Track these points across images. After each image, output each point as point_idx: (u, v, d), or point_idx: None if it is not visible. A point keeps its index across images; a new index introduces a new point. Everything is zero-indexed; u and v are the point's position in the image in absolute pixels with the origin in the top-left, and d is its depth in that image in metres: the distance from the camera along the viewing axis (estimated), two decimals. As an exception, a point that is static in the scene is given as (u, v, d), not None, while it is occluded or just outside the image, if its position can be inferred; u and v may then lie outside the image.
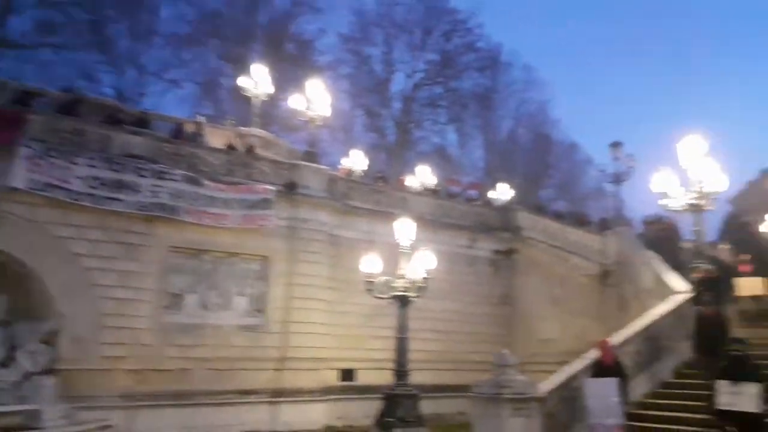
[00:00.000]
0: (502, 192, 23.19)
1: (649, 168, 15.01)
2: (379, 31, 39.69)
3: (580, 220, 21.61)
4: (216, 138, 18.39)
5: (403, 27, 39.69)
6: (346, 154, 24.26)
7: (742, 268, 13.26)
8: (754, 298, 12.64)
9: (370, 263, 12.35)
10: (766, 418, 7.24)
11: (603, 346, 9.24)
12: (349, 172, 20.87)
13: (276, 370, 14.89)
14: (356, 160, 22.62)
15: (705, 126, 13.78)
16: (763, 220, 17.03)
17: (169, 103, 35.17)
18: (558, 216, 21.99)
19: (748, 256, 13.60)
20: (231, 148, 17.29)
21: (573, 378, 9.42)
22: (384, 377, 12.75)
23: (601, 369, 8.82)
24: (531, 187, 38.00)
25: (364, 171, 22.18)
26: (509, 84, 43.28)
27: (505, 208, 21.13)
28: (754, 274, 12.90)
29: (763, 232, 15.86)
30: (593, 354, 9.57)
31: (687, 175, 13.42)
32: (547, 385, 9.33)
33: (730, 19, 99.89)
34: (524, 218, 20.29)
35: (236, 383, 14.27)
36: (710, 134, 13.47)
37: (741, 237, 15.58)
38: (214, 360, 14.16)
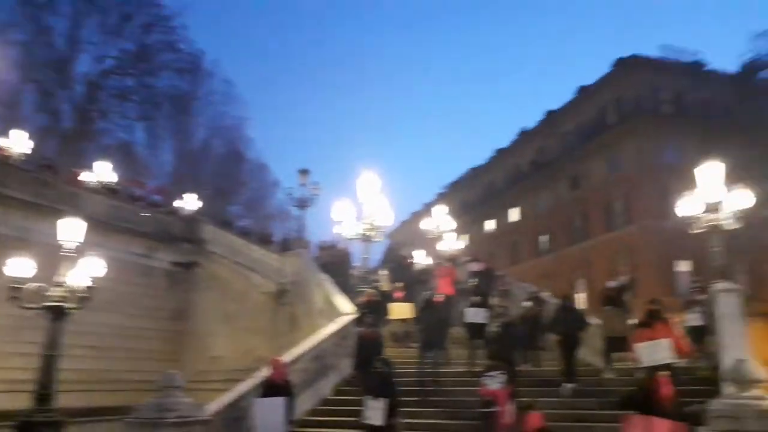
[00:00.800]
0: (190, 202, 22.30)
1: (332, 196, 16.27)
2: (68, 1, 34.79)
3: (263, 239, 22.10)
4: None
5: (97, 5, 35.57)
6: (5, 134, 20.27)
7: (397, 294, 15.14)
8: (403, 321, 14.48)
9: (19, 265, 10.39)
10: (392, 429, 8.22)
11: (274, 364, 9.39)
12: (7, 155, 17.45)
13: None
14: (18, 142, 19.04)
15: (380, 164, 15.63)
16: (412, 255, 19.88)
17: None
18: (244, 233, 22.11)
19: (401, 284, 15.61)
20: None
21: (242, 397, 9.33)
22: (24, 401, 10.71)
23: (270, 387, 8.92)
24: (220, 200, 37.52)
25: (25, 155, 18.80)
26: (208, 94, 42.35)
27: (191, 219, 20.33)
28: (404, 300, 14.82)
29: (415, 264, 18.45)
30: (264, 372, 9.66)
31: (362, 207, 14.93)
32: (215, 405, 9.04)
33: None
34: (210, 231, 19.81)
35: None
36: (383, 173, 15.31)
37: (397, 267, 17.88)
38: None
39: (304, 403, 10.31)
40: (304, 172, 19.75)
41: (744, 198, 11.82)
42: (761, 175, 22.28)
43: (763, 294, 25.41)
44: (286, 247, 20.28)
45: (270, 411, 8.39)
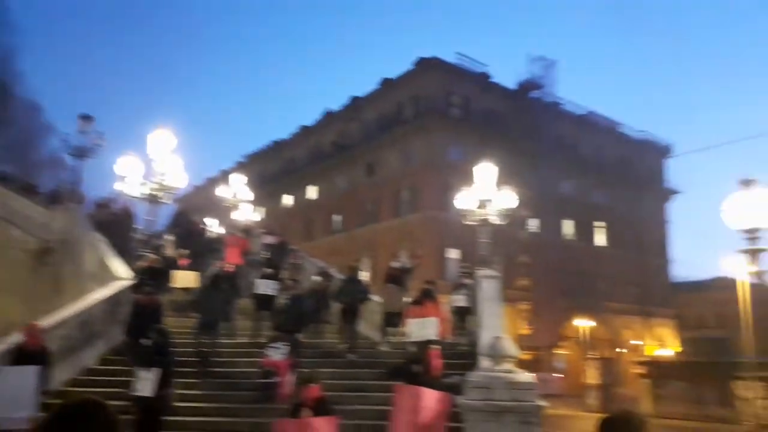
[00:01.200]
0: (-69, 135, 18.55)
1: (117, 150, 14.85)
2: None
3: (27, 188, 19.27)
4: None
5: None
6: None
7: (182, 261, 14.37)
8: (186, 290, 13.79)
9: None
10: (162, 401, 7.84)
11: (29, 329, 8.32)
12: None
13: None
14: None
15: (177, 124, 14.63)
16: (203, 222, 19.07)
17: None
18: (3, 179, 19.03)
19: (188, 252, 14.86)
20: None
21: (-17, 366, 8.08)
22: None
23: (23, 355, 7.87)
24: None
25: None
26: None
27: (-69, 156, 16.92)
28: (191, 268, 14.12)
29: (206, 232, 17.69)
30: (16, 338, 8.51)
31: (152, 165, 13.88)
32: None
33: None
34: (-44, 173, 16.70)
35: None
36: (179, 133, 14.38)
37: (185, 233, 16.97)
38: None
39: (63, 372, 9.30)
40: (86, 118, 17.61)
41: (509, 199, 13.58)
42: (524, 181, 25.65)
43: (514, 282, 29.39)
44: (55, 199, 17.91)
45: (19, 381, 7.38)
